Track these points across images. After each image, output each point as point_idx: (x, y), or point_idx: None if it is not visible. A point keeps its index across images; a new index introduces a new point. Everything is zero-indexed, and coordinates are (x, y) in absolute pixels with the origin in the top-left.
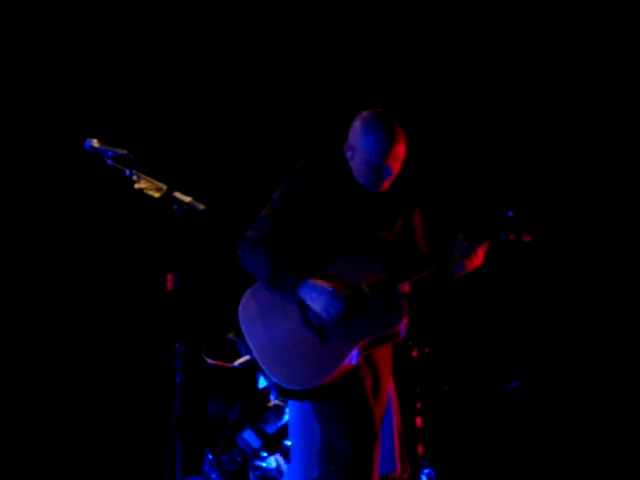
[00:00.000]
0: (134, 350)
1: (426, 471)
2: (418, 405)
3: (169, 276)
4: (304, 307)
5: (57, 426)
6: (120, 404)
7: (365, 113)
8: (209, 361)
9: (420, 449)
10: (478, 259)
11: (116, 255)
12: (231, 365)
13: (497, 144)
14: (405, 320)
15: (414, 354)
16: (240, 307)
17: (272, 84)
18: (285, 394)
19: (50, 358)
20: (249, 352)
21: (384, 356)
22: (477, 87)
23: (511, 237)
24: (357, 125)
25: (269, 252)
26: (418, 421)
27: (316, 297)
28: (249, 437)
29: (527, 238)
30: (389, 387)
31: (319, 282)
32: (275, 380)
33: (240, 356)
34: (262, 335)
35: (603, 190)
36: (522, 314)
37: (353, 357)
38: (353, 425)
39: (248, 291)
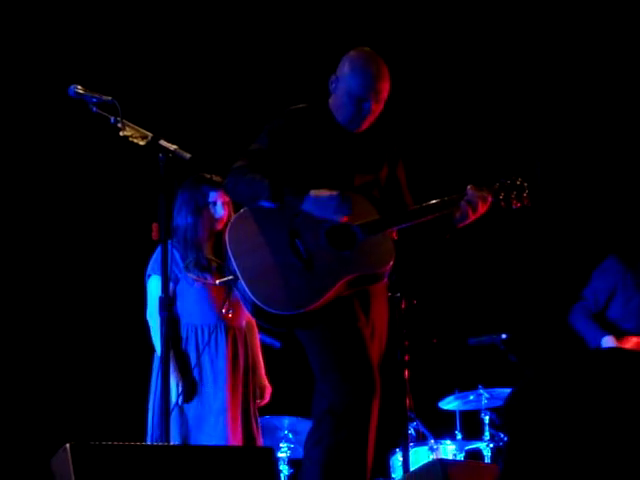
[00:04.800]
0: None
1: (413, 423)
2: (406, 357)
3: (154, 225)
4: (293, 235)
5: (42, 424)
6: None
7: (354, 49)
8: (189, 276)
9: (408, 401)
10: (484, 206)
11: (100, 203)
12: (212, 283)
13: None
14: (391, 263)
15: (402, 306)
16: (228, 228)
17: (261, 34)
18: (263, 317)
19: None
20: (232, 273)
21: (382, 312)
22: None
23: (501, 197)
24: (345, 58)
25: (262, 174)
26: (406, 373)
27: (325, 201)
28: None
29: (516, 204)
30: (383, 343)
31: (322, 191)
32: (256, 300)
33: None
34: (248, 256)
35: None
36: (511, 265)
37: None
38: (351, 375)
39: (236, 216)
